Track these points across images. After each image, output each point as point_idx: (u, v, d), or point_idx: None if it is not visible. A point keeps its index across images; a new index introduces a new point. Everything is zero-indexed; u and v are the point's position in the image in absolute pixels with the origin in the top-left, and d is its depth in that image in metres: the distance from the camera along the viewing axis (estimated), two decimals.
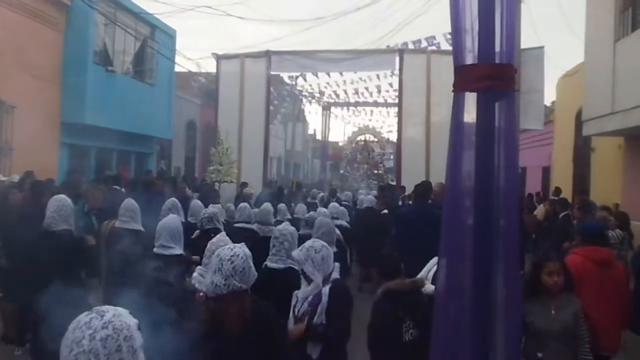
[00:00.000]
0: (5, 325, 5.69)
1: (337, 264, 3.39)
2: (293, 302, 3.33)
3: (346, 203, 10.64)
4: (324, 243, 3.36)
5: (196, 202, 6.80)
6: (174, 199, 6.17)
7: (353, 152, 24.17)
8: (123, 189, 8.90)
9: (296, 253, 3.32)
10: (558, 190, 13.15)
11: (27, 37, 11.62)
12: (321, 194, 11.62)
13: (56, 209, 4.35)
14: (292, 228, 4.04)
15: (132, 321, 1.54)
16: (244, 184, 12.66)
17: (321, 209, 7.39)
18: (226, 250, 2.58)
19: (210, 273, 2.57)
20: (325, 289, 3.18)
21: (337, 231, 6.92)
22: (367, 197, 10.41)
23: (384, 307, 3.31)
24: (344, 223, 7.65)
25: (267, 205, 6.41)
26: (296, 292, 3.33)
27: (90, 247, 5.01)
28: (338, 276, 3.33)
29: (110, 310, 1.52)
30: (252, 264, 2.62)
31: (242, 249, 2.64)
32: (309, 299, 3.22)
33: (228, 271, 2.49)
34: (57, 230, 4.28)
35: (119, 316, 1.51)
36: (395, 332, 3.19)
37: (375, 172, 22.85)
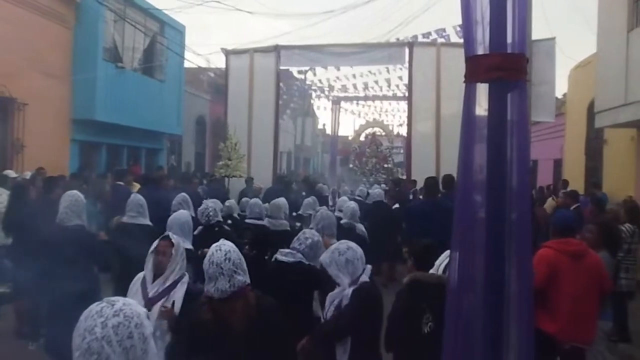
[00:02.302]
0: (19, 320, 5.74)
1: (369, 266, 3.29)
2: (326, 306, 3.31)
3: (359, 198, 10.49)
4: (351, 245, 3.27)
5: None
6: (184, 194, 6.20)
7: (362, 146, 24.00)
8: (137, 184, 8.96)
9: (323, 256, 3.30)
10: (565, 183, 13.01)
11: (38, 34, 11.71)
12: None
13: (69, 204, 4.36)
14: (318, 236, 4.06)
15: (142, 310, 1.58)
16: (250, 179, 12.61)
17: (350, 204, 7.19)
18: (216, 253, 2.52)
19: (208, 282, 2.50)
20: (349, 291, 3.12)
21: (362, 228, 6.89)
22: (375, 191, 10.20)
23: (408, 296, 3.28)
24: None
25: (279, 200, 6.40)
26: (329, 294, 3.29)
27: (102, 242, 5.04)
28: (367, 279, 3.20)
29: (120, 300, 1.57)
30: (239, 251, 2.62)
31: (225, 243, 2.61)
32: (335, 302, 3.19)
33: (229, 270, 2.48)
34: (69, 226, 4.31)
35: (129, 305, 1.56)
36: (415, 323, 3.16)
37: (385, 166, 22.71)
